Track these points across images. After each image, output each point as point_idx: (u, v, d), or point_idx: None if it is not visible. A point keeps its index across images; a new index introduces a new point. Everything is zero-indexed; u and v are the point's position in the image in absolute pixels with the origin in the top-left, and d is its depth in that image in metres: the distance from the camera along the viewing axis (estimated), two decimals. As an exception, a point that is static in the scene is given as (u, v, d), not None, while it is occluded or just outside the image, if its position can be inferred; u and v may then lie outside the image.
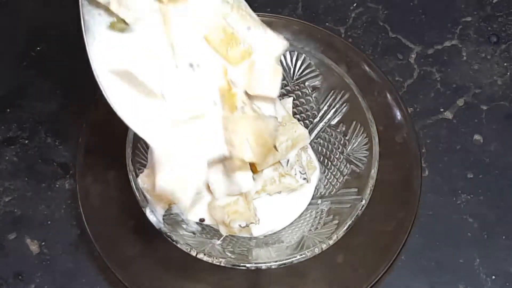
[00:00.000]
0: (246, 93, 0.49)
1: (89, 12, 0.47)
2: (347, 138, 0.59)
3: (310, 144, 0.62)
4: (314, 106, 0.62)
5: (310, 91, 0.61)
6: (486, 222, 0.63)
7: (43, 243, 0.62)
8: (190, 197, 0.49)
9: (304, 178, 0.59)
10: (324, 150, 0.61)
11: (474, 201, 0.64)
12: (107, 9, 0.47)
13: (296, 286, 0.58)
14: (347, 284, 0.58)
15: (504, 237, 0.63)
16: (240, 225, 0.56)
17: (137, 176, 0.54)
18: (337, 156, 0.60)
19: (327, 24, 0.72)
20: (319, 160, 0.62)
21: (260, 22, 0.51)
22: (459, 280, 0.61)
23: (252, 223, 0.56)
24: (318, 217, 0.58)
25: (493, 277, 0.61)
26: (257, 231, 0.57)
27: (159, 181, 0.49)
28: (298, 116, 0.62)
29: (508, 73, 0.70)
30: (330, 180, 0.60)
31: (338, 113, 0.60)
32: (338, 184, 0.59)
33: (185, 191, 0.49)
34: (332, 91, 0.60)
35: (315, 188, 0.61)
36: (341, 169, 0.59)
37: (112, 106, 0.48)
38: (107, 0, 0.46)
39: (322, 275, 0.58)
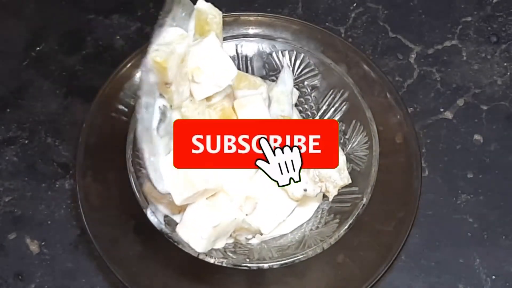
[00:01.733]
0: None
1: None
2: (347, 137, 0.59)
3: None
4: (313, 105, 0.62)
5: (309, 90, 0.61)
6: (486, 222, 0.63)
7: (43, 243, 0.62)
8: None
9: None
10: (324, 149, 0.61)
11: (474, 201, 0.64)
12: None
13: (296, 285, 0.58)
14: (347, 284, 0.58)
15: (504, 237, 0.63)
16: (246, 238, 0.56)
17: (137, 177, 0.54)
18: (337, 155, 0.60)
19: (327, 24, 0.72)
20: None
21: None
22: (459, 280, 0.61)
23: (257, 234, 0.56)
24: (319, 216, 0.58)
25: (493, 277, 0.61)
26: (267, 226, 0.56)
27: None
28: (298, 115, 0.62)
29: (508, 73, 0.70)
30: (331, 179, 0.60)
31: (338, 112, 0.60)
32: (339, 183, 0.59)
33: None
34: (332, 90, 0.60)
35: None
36: (342, 168, 0.59)
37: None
38: (171, 81, 0.51)
39: (322, 274, 0.58)
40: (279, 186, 0.50)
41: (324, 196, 0.58)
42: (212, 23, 0.54)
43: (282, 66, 0.61)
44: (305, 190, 0.55)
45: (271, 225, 0.55)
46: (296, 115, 0.60)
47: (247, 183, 0.54)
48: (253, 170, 0.54)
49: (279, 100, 0.58)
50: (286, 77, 0.59)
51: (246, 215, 0.54)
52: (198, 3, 0.54)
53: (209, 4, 0.54)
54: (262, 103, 0.56)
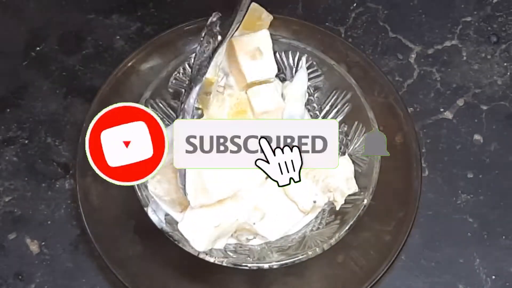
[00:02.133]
0: None
1: None
2: (349, 138, 0.59)
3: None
4: (316, 106, 0.62)
5: (312, 91, 0.61)
6: (486, 222, 0.63)
7: (43, 243, 0.62)
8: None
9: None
10: (326, 150, 0.61)
11: (474, 201, 0.64)
12: None
13: (296, 286, 0.58)
14: (347, 284, 0.58)
15: (504, 237, 0.63)
16: (247, 238, 0.56)
17: None
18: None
19: (327, 24, 0.72)
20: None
21: None
22: (459, 280, 0.61)
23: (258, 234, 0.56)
24: (320, 217, 0.58)
25: (493, 277, 0.61)
26: (273, 235, 0.56)
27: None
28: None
29: (508, 73, 0.70)
30: (332, 180, 0.60)
31: (340, 113, 0.60)
32: (340, 184, 0.59)
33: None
34: (334, 91, 0.60)
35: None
36: (343, 169, 0.59)
37: None
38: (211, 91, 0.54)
39: (322, 274, 0.58)
40: (278, 186, 0.51)
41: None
42: (266, 20, 0.58)
43: (285, 67, 0.61)
44: (314, 202, 0.55)
45: (277, 234, 0.56)
46: (307, 115, 0.61)
47: (257, 189, 0.55)
48: (263, 176, 0.54)
49: (293, 99, 0.59)
50: (303, 77, 0.59)
51: (254, 223, 0.55)
52: (252, 4, 0.58)
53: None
54: (274, 91, 0.57)
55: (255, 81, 0.56)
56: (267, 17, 0.59)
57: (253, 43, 0.56)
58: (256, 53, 0.56)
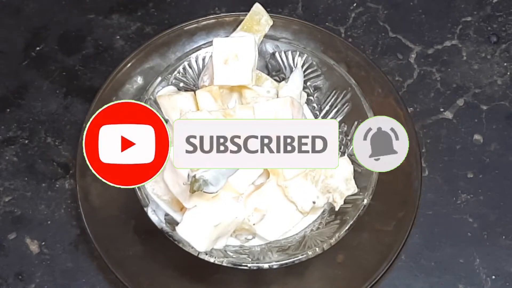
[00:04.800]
0: None
1: None
2: (349, 138, 0.59)
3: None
4: (316, 106, 0.62)
5: (312, 91, 0.61)
6: (486, 222, 0.63)
7: (43, 243, 0.62)
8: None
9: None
10: (325, 150, 0.61)
11: (474, 201, 0.64)
12: None
13: (296, 286, 0.58)
14: (347, 284, 0.58)
15: (504, 237, 0.63)
16: (246, 238, 0.56)
17: None
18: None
19: (327, 24, 0.72)
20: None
21: None
22: (459, 280, 0.61)
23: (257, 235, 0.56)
24: (320, 217, 0.58)
25: (493, 277, 0.61)
26: (272, 236, 0.56)
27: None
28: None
29: (508, 73, 0.70)
30: (332, 180, 0.60)
31: (340, 113, 0.60)
32: (340, 184, 0.59)
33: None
34: (334, 91, 0.60)
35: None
36: (343, 169, 0.59)
37: None
38: None
39: (322, 274, 0.58)
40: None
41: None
42: (264, 25, 0.60)
43: (285, 67, 0.61)
44: (314, 202, 0.55)
45: (277, 234, 0.56)
46: (302, 116, 0.60)
47: (251, 187, 0.55)
48: (256, 174, 0.54)
49: None
50: (297, 78, 0.59)
51: (254, 224, 0.55)
52: (256, 5, 0.61)
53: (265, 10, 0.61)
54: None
55: (223, 85, 0.56)
56: (265, 23, 0.59)
57: (234, 48, 0.56)
58: (230, 58, 0.55)
